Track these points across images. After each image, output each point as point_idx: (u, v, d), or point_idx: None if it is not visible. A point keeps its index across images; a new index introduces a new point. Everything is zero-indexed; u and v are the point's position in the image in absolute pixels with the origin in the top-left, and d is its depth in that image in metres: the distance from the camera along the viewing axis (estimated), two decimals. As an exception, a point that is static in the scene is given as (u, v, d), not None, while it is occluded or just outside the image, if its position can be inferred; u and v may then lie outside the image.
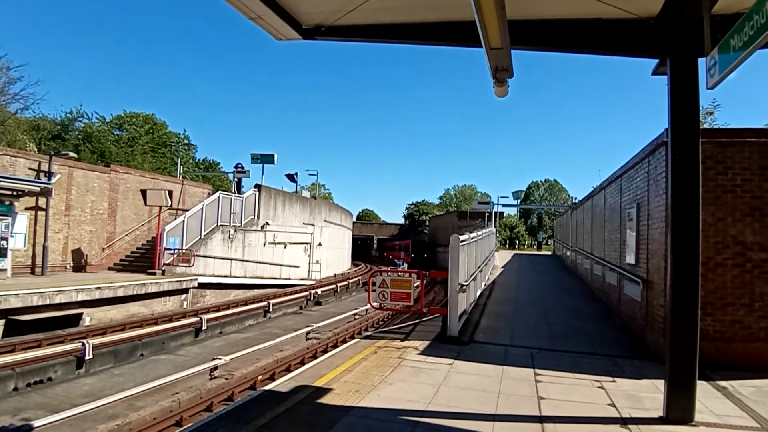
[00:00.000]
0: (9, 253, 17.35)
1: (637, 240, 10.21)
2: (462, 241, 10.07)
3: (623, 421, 5.52)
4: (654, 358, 8.43)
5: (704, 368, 5.63)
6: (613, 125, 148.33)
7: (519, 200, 56.44)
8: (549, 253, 43.71)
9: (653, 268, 9.00)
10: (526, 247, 67.34)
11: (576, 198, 39.85)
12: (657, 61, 6.16)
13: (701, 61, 5.42)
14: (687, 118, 5.59)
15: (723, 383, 7.11)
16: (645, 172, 9.76)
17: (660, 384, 6.59)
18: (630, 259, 10.79)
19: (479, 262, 15.09)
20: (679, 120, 5.60)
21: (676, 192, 5.54)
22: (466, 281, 10.28)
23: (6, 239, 17.11)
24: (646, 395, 6.51)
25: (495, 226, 41.10)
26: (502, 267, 26.21)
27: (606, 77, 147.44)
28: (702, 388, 5.90)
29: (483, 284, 16.86)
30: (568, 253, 26.31)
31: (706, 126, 20.31)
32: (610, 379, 7.30)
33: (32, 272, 19.57)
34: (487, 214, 48.08)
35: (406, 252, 64.78)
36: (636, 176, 10.64)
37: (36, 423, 6.99)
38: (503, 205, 52.32)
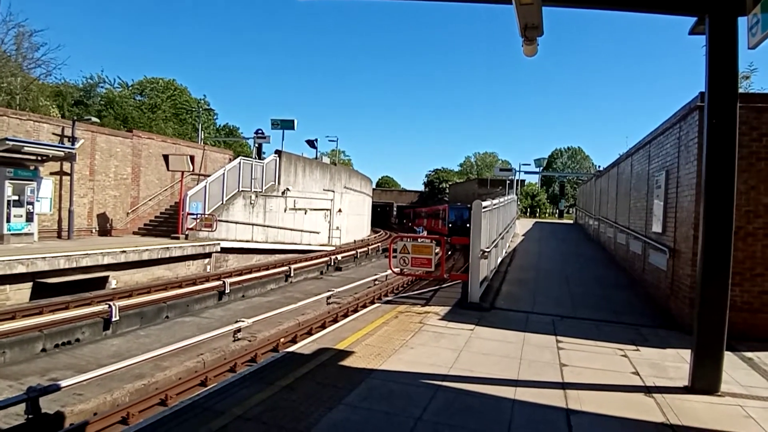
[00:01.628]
0: (35, 217, 17.66)
1: (664, 208, 9.96)
2: (484, 208, 9.96)
3: (647, 390, 5.46)
4: (679, 327, 8.32)
5: (730, 339, 5.52)
6: (640, 92, 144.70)
7: (541, 168, 55.68)
8: (571, 221, 43.26)
9: (681, 236, 8.80)
10: (547, 215, 66.69)
11: (600, 166, 39.18)
12: (695, 19, 5.85)
13: (741, 21, 5.17)
14: (725, 80, 5.35)
15: (749, 354, 7.00)
16: (676, 138, 9.45)
17: (684, 353, 6.53)
18: (656, 227, 10.57)
19: (500, 229, 14.98)
20: (717, 82, 5.36)
21: (711, 158, 5.34)
22: (487, 248, 10.20)
23: (32, 203, 17.39)
24: (671, 364, 6.43)
25: (516, 194, 40.68)
26: (523, 235, 26.03)
27: (634, 41, 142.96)
28: (727, 358, 5.79)
29: (504, 251, 16.77)
30: (591, 222, 25.99)
31: (741, 90, 19.57)
32: (634, 347, 7.23)
33: (59, 236, 19.96)
34: (508, 181, 47.60)
35: (442, 221, 49.31)
36: (666, 142, 10.32)
37: (63, 383, 7.16)
38: (525, 173, 51.51)
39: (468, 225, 9.76)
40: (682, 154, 8.92)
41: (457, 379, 5.58)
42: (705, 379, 5.40)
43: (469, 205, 9.72)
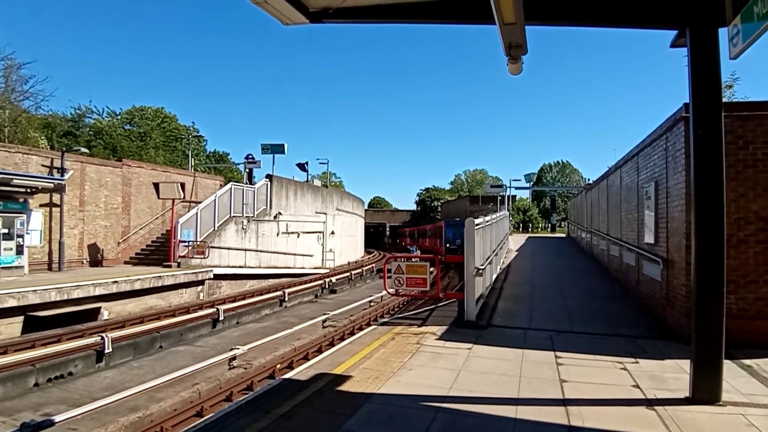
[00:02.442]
0: (26, 250, 17.49)
1: (655, 219, 10.02)
2: (477, 225, 9.97)
3: (649, 403, 5.42)
4: (676, 338, 8.31)
5: (728, 347, 5.50)
6: (625, 104, 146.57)
7: (531, 183, 56.04)
8: (563, 235, 43.39)
9: (673, 246, 8.84)
10: (539, 230, 66.92)
11: (589, 179, 39.47)
12: (676, 32, 5.95)
13: (722, 32, 5.25)
14: (709, 90, 5.42)
15: (748, 362, 6.98)
16: (663, 149, 9.55)
17: (684, 364, 6.51)
18: (649, 238, 10.62)
19: (494, 245, 14.98)
20: (701, 93, 5.43)
21: (699, 167, 5.38)
22: (482, 265, 10.20)
23: (22, 236, 17.24)
24: (671, 376, 6.40)
25: (508, 210, 40.79)
26: (516, 250, 26.05)
27: (619, 54, 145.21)
28: (726, 367, 5.76)
29: (498, 268, 16.76)
30: (583, 235, 26.07)
31: (725, 100, 19.85)
32: (633, 360, 7.19)
33: (49, 268, 19.77)
34: (499, 197, 47.88)
35: (439, 239, 43.61)
36: (653, 153, 10.42)
37: (57, 418, 7.01)
38: (516, 188, 51.89)
39: None
40: (670, 165, 9.00)
41: (457, 400, 5.52)
42: (705, 389, 5.37)
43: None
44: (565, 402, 5.45)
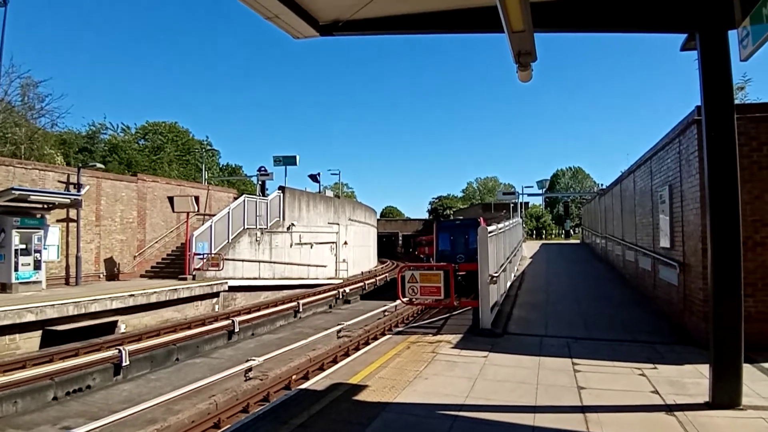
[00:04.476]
0: (43, 265, 17.71)
1: (671, 223, 9.95)
2: (490, 233, 9.95)
3: (668, 408, 5.37)
4: (694, 342, 8.22)
5: (747, 350, 5.42)
6: (637, 108, 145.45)
7: (544, 189, 55.70)
8: (577, 241, 43.05)
9: (690, 250, 8.76)
10: (553, 236, 66.47)
11: (602, 184, 39.19)
12: (685, 36, 5.94)
13: (732, 34, 5.24)
14: (720, 93, 5.39)
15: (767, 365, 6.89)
16: (676, 153, 9.50)
17: (703, 369, 6.44)
18: (664, 242, 10.53)
19: (508, 252, 14.92)
20: (713, 96, 5.40)
21: (713, 170, 5.35)
22: (496, 272, 10.15)
23: (39, 251, 17.45)
24: (690, 381, 6.33)
25: (521, 217, 40.61)
26: (530, 257, 25.91)
27: (629, 58, 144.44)
28: (746, 371, 5.70)
29: (512, 275, 16.68)
30: (598, 241, 25.88)
31: (737, 101, 19.65)
32: (651, 365, 7.13)
33: (66, 283, 20.00)
34: (511, 204, 47.68)
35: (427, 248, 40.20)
36: (667, 157, 10.36)
37: (76, 431, 7.09)
38: (528, 195, 51.75)
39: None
40: (684, 168, 8.94)
41: (474, 409, 5.50)
42: (725, 394, 5.31)
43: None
44: (583, 409, 5.42)
